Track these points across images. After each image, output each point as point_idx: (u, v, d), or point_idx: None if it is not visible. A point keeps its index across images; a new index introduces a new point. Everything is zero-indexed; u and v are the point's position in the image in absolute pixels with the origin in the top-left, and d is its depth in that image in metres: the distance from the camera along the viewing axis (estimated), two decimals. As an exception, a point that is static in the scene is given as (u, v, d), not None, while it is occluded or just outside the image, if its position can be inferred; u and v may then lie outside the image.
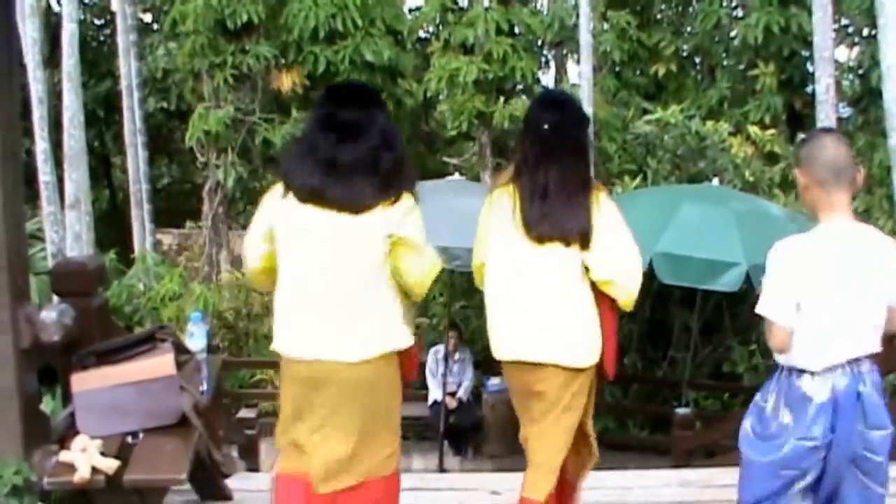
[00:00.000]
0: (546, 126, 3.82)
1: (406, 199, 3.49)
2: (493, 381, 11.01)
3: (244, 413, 8.55)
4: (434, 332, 12.93)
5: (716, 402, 12.13)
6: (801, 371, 3.12)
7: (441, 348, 10.72)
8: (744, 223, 7.99)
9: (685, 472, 4.49)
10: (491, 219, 3.89)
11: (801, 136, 12.16)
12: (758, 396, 3.31)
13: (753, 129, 11.88)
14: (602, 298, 3.78)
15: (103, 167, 20.54)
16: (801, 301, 3.09)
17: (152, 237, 14.64)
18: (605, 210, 3.77)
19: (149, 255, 13.34)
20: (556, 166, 3.77)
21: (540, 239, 3.73)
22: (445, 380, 10.36)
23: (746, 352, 11.68)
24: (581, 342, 3.74)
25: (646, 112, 12.33)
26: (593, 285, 3.77)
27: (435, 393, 10.45)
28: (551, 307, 3.73)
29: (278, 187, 3.52)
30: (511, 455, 10.68)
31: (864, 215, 11.42)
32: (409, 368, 3.66)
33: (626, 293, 3.79)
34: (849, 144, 3.27)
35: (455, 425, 10.50)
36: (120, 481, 3.16)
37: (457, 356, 10.77)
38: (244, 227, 19.28)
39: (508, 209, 3.80)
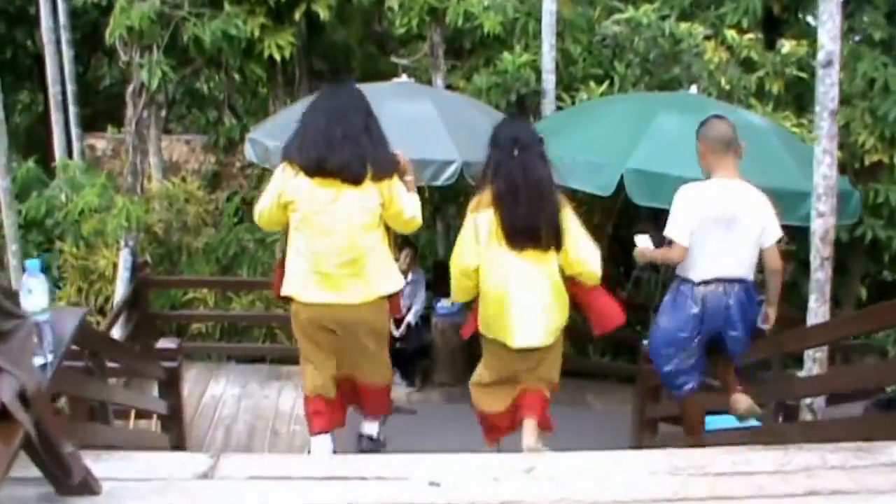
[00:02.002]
0: (516, 151, 4.60)
1: (393, 179, 4.55)
2: (443, 304, 10.06)
3: (164, 343, 7.59)
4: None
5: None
6: (686, 280, 4.58)
7: None
8: (726, 137, 7.10)
9: (674, 457, 3.62)
10: (478, 235, 4.70)
11: (780, 41, 11.22)
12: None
13: (730, 33, 10.90)
14: (574, 282, 4.82)
15: (37, 67, 19.06)
16: (693, 230, 4.39)
17: (80, 143, 13.47)
18: (569, 217, 4.68)
19: (72, 164, 12.24)
20: (530, 192, 4.55)
21: (522, 250, 4.63)
22: None
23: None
24: (557, 327, 4.81)
25: (613, 12, 11.24)
26: (563, 274, 4.77)
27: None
28: (539, 304, 4.68)
29: (287, 167, 4.52)
30: (461, 384, 9.81)
31: (843, 130, 10.57)
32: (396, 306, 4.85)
33: (593, 277, 4.85)
34: (733, 125, 4.51)
35: (401, 350, 9.48)
36: None
37: (409, 277, 9.67)
38: (186, 130, 18.28)
39: (494, 230, 4.65)
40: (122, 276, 10.00)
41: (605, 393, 10.51)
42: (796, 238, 10.16)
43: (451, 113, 8.42)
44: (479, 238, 4.67)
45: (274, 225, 4.78)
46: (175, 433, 7.73)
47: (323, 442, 4.88)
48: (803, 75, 11.01)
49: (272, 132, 8.46)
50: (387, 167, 4.51)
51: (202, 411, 9.40)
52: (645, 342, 7.71)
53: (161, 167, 13.06)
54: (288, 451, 8.60)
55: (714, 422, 7.20)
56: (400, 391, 9.56)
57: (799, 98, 11.49)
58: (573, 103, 9.97)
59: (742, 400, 5.03)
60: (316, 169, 4.39)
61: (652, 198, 6.82)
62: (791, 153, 7.23)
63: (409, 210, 4.63)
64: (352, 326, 4.61)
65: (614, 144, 7.11)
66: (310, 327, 4.65)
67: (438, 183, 7.91)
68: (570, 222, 4.66)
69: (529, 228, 4.57)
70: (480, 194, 4.75)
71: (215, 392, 9.85)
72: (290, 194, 4.49)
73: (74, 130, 13.30)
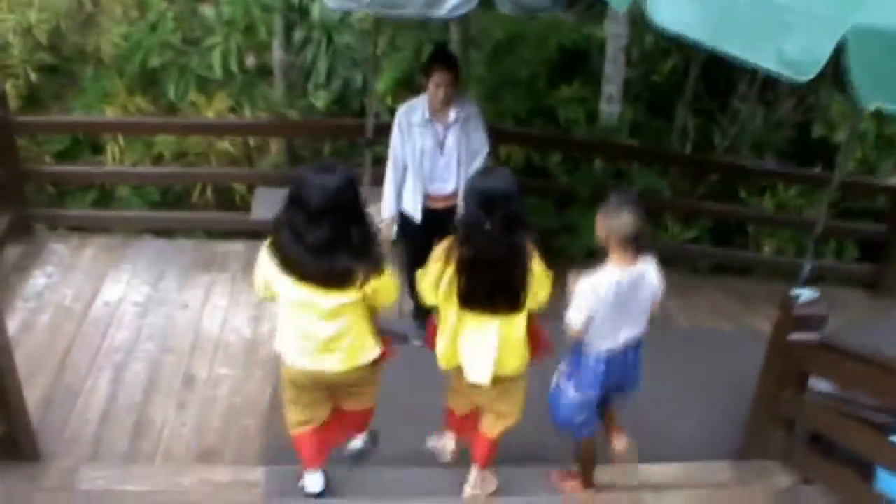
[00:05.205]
0: (487, 224, 4.14)
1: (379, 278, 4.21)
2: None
3: None
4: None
5: (798, 197, 7.95)
6: (591, 348, 4.56)
7: (418, 104, 5.57)
8: None
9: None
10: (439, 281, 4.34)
11: None
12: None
13: None
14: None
15: None
16: (594, 313, 4.39)
17: None
18: (538, 279, 4.34)
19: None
20: (496, 265, 4.24)
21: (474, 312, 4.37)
22: (425, 170, 5.64)
23: (847, 108, 7.45)
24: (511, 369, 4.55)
25: None
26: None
27: (394, 202, 5.74)
28: (489, 350, 4.44)
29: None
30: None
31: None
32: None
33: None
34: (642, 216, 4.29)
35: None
36: None
37: (451, 115, 5.56)
38: None
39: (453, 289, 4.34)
40: (-35, 118, 6.50)
41: (698, 294, 7.27)
42: None
43: None
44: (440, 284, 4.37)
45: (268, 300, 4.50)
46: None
47: (317, 480, 4.83)
48: None
49: None
50: (373, 271, 4.16)
51: (83, 336, 6.27)
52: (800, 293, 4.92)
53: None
54: (204, 417, 5.62)
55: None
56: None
57: None
58: None
59: (622, 442, 5.09)
60: (296, 276, 4.14)
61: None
62: None
63: (390, 299, 4.45)
64: (339, 386, 4.59)
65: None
66: (298, 381, 4.55)
67: (442, 12, 4.31)
68: (538, 284, 4.38)
69: (487, 298, 4.33)
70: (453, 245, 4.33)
71: (110, 296, 6.65)
72: (273, 285, 4.25)
73: None
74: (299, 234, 4.03)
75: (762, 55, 3.29)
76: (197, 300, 6.62)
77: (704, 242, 7.80)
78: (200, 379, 5.87)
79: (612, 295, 4.35)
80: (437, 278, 4.33)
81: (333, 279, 4.10)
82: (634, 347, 4.65)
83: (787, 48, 3.22)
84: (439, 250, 4.34)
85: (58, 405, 5.56)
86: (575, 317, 4.44)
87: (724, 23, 3.39)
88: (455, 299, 4.34)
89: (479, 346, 4.44)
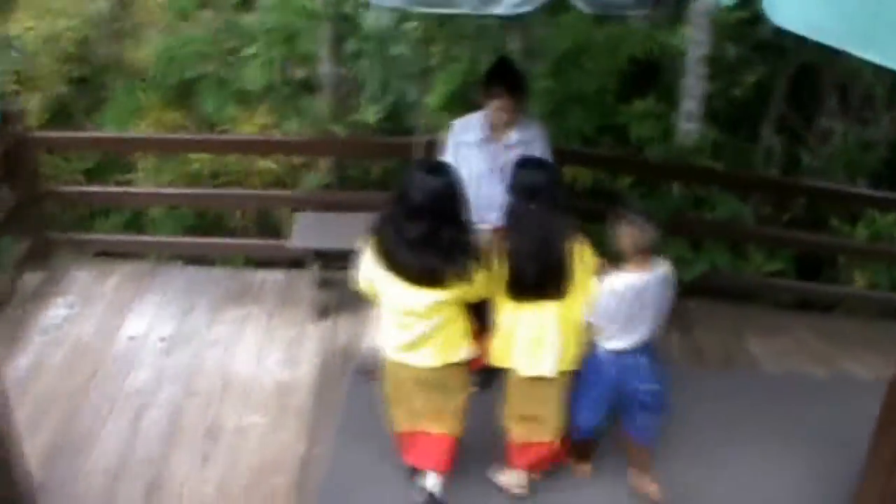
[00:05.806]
0: (532, 205, 4.26)
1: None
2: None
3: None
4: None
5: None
6: (601, 348, 4.69)
7: (474, 120, 4.91)
8: None
9: None
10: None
11: None
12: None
13: None
14: None
15: None
16: (612, 313, 4.53)
17: None
18: (581, 266, 4.41)
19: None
20: (542, 248, 4.29)
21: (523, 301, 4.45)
22: (482, 199, 4.69)
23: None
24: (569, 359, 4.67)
25: None
26: None
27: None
28: (547, 339, 4.52)
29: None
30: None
31: None
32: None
33: None
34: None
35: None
36: None
37: (513, 137, 4.84)
38: None
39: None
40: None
41: (785, 334, 6.48)
42: None
43: None
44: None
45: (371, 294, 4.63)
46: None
47: (434, 480, 4.83)
48: None
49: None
50: (460, 276, 4.21)
51: (101, 375, 5.69)
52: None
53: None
54: (229, 474, 4.98)
55: None
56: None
57: None
58: None
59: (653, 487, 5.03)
60: (393, 271, 4.26)
61: None
62: None
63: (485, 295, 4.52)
64: (431, 384, 4.59)
65: None
66: (397, 375, 4.65)
67: (500, 10, 3.67)
68: (581, 271, 4.43)
69: (536, 284, 4.36)
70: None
71: (133, 330, 6.08)
72: (375, 283, 4.40)
73: None
74: (399, 229, 4.16)
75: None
76: (228, 336, 6.00)
77: (790, 274, 7.02)
78: (227, 429, 5.25)
79: (631, 296, 4.52)
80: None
81: (424, 276, 4.18)
82: (646, 350, 4.76)
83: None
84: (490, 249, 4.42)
85: (67, 454, 5.03)
86: (598, 317, 4.63)
87: (865, 22, 2.63)
88: (507, 294, 4.41)
89: (540, 334, 4.47)
